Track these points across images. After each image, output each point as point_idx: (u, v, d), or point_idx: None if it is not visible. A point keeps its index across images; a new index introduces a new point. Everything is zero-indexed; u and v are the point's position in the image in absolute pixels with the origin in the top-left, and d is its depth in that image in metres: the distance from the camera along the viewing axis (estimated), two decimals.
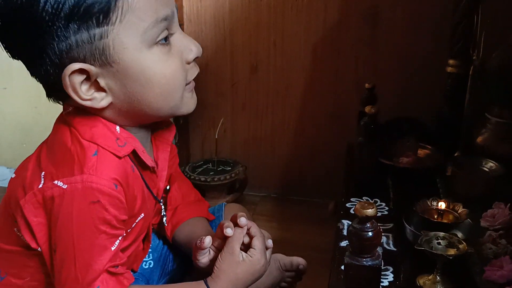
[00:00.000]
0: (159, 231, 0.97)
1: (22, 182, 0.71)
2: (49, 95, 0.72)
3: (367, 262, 0.68)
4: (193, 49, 0.73)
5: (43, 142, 0.77)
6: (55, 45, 0.63)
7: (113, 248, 0.69)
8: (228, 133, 1.81)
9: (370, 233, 0.67)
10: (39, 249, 0.71)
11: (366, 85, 1.34)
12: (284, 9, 1.59)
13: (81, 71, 0.65)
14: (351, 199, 1.15)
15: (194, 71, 0.75)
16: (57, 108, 0.75)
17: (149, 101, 0.70)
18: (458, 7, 1.26)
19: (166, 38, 0.70)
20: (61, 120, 0.74)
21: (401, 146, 1.30)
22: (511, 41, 1.14)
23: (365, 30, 1.55)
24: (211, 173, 1.70)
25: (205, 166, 1.76)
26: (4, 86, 1.61)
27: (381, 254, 0.70)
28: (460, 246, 0.82)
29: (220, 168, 1.73)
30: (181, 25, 1.70)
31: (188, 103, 0.76)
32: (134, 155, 0.74)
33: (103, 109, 0.70)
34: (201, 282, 0.78)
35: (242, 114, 1.78)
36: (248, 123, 1.78)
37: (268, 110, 1.74)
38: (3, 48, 0.68)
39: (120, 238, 0.71)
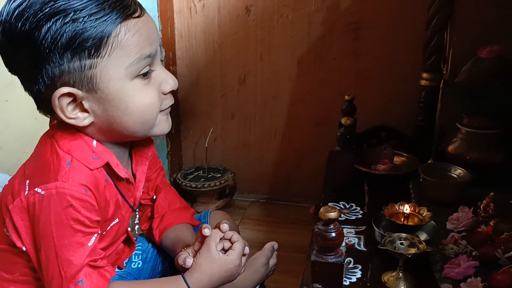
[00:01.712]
0: (149, 236, 1.04)
1: (11, 189, 0.78)
2: (38, 108, 0.78)
3: (331, 259, 0.76)
4: (170, 83, 0.80)
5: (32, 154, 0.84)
6: (50, 69, 0.70)
7: (89, 244, 0.75)
8: (218, 141, 1.89)
9: (333, 234, 0.75)
10: (23, 248, 0.77)
11: (346, 96, 1.41)
12: (270, 24, 1.68)
13: (69, 94, 0.72)
14: (329, 204, 1.23)
15: (169, 101, 0.82)
16: None
17: (127, 124, 0.77)
18: (430, 24, 1.34)
19: (147, 72, 0.77)
20: (47, 132, 0.81)
21: (378, 153, 1.37)
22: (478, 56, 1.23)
23: (347, 44, 1.63)
24: (201, 179, 1.78)
25: (196, 173, 1.84)
26: (6, 99, 1.68)
27: (344, 252, 0.78)
28: (420, 246, 0.89)
29: (211, 175, 1.82)
30: (173, 40, 1.79)
31: (162, 126, 0.83)
32: (109, 167, 0.81)
33: (84, 126, 0.77)
34: (179, 276, 0.85)
35: (232, 123, 1.85)
36: (237, 131, 1.86)
37: (256, 119, 1.82)
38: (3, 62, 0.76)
39: (95, 235, 0.77)
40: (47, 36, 0.68)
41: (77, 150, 0.77)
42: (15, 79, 1.73)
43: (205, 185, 1.74)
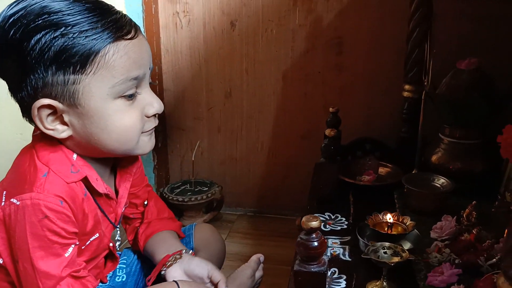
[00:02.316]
0: (133, 246, 1.05)
1: None
2: (23, 115, 0.79)
3: (313, 268, 0.77)
4: (154, 106, 0.81)
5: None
6: (34, 80, 0.71)
7: (66, 255, 0.76)
8: (205, 155, 1.90)
9: (315, 243, 0.76)
10: (0, 261, 0.77)
11: (330, 109, 1.42)
12: (255, 39, 1.70)
13: (49, 106, 0.73)
14: (315, 215, 1.24)
15: (152, 123, 0.83)
16: None
17: (105, 142, 0.78)
18: (410, 38, 1.37)
19: (132, 94, 0.77)
20: (29, 144, 0.82)
21: (363, 165, 1.39)
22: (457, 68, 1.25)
23: (330, 57, 1.65)
24: (188, 193, 1.78)
25: (183, 187, 1.84)
26: None
27: (326, 261, 0.79)
28: (403, 254, 0.91)
29: (198, 189, 1.82)
30: (159, 55, 1.80)
31: (143, 147, 0.83)
32: (88, 181, 0.81)
33: (64, 139, 0.77)
34: (172, 283, 0.86)
35: (218, 136, 1.87)
36: (224, 145, 1.87)
37: (243, 133, 1.84)
38: None
39: (72, 246, 0.77)
40: (35, 47, 0.69)
41: (55, 162, 0.77)
42: (2, 96, 1.73)
43: (192, 199, 1.74)
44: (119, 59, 0.73)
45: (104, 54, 0.72)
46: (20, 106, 0.77)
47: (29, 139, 1.68)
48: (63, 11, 0.70)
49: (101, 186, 0.83)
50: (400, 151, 1.47)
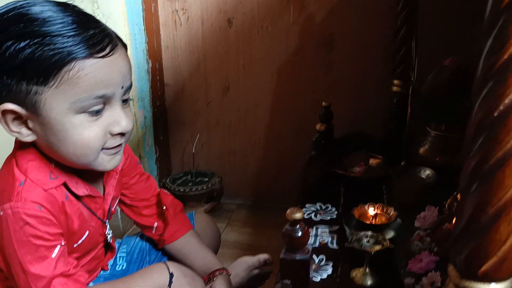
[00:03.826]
0: (149, 235, 1.09)
1: None
2: None
3: (298, 257, 0.84)
4: (121, 124, 0.78)
5: None
6: (0, 84, 0.71)
7: (53, 256, 0.77)
8: (204, 148, 1.97)
9: (299, 233, 0.82)
10: None
11: (323, 103, 1.47)
12: (250, 36, 1.75)
13: (13, 111, 0.73)
14: (306, 205, 1.31)
15: (116, 141, 0.79)
16: None
17: (63, 154, 0.77)
18: (398, 35, 1.43)
19: (98, 110, 0.75)
20: (12, 151, 0.82)
21: (353, 157, 1.45)
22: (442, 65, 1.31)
23: (322, 55, 1.70)
24: (190, 184, 1.85)
25: (184, 178, 1.91)
26: None
27: (310, 250, 0.85)
28: (384, 243, 0.97)
29: (198, 179, 1.88)
30: (159, 52, 1.86)
31: (103, 164, 0.80)
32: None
33: (35, 143, 0.78)
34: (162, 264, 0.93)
35: (217, 130, 1.93)
36: (222, 138, 1.93)
37: (240, 127, 1.90)
38: None
39: (58, 247, 0.78)
40: (5, 53, 0.69)
41: (33, 170, 0.78)
42: None
43: (193, 189, 1.81)
44: (83, 77, 0.71)
45: (68, 70, 0.70)
46: None
47: None
48: (39, 21, 0.70)
49: (81, 189, 0.84)
50: (389, 144, 1.52)
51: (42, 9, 0.71)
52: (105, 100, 0.75)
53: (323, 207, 1.30)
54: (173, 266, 0.94)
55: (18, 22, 0.70)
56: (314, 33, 1.68)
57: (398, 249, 1.03)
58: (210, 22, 1.78)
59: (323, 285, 0.97)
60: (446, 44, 1.45)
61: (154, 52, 1.84)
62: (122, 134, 0.79)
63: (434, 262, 0.96)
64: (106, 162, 0.80)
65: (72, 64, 0.70)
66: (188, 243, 1.06)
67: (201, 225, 1.16)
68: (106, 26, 0.77)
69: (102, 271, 1.01)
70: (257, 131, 1.88)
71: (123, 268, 1.06)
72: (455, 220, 0.53)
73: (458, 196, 0.53)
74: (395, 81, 1.50)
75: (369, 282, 0.97)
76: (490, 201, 0.48)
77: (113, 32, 0.77)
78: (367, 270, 0.98)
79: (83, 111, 0.74)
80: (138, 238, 1.13)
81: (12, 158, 0.80)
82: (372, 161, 1.46)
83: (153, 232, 1.08)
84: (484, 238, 0.49)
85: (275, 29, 1.72)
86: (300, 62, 1.73)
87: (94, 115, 0.75)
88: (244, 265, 1.14)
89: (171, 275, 0.92)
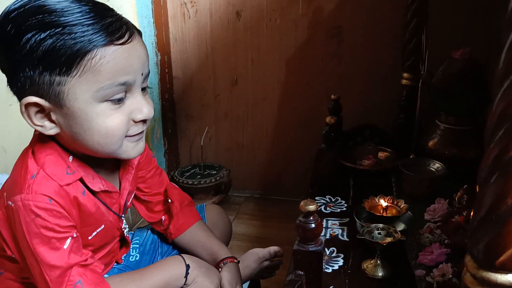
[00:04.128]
0: (158, 229, 1.11)
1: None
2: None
3: (311, 248, 0.84)
4: (143, 111, 0.78)
5: None
6: (22, 77, 0.72)
7: (65, 247, 0.77)
8: (213, 140, 1.97)
9: (312, 225, 0.83)
10: (13, 255, 0.81)
11: (332, 96, 1.47)
12: (259, 29, 1.75)
13: (36, 104, 0.73)
14: (316, 198, 1.31)
15: (138, 128, 0.80)
16: None
17: (87, 143, 0.77)
18: (407, 28, 1.42)
19: (120, 98, 0.75)
20: (30, 142, 0.83)
21: (363, 150, 1.46)
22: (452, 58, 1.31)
23: (331, 47, 1.70)
24: (198, 176, 1.85)
25: (192, 171, 1.91)
26: (10, 103, 1.75)
27: (323, 241, 0.86)
28: (396, 235, 0.98)
29: (207, 172, 1.89)
30: (168, 44, 1.86)
31: (128, 152, 0.81)
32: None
33: (57, 136, 0.78)
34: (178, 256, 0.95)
35: (225, 123, 1.93)
36: (230, 131, 1.94)
37: (248, 119, 1.90)
38: None
39: (70, 238, 0.78)
40: (26, 45, 0.69)
41: (51, 165, 0.78)
42: None
43: (202, 182, 1.82)
44: (105, 64, 0.72)
45: (91, 58, 0.70)
46: (17, 99, 0.77)
47: None
48: (58, 11, 0.70)
49: (97, 184, 0.84)
50: (398, 136, 1.52)
51: (59, 0, 0.71)
52: (127, 88, 0.76)
53: (333, 200, 1.30)
54: (189, 258, 0.95)
55: (36, 14, 0.70)
56: (323, 25, 1.68)
57: (408, 241, 1.04)
58: (218, 15, 1.78)
59: (335, 276, 0.97)
60: (456, 36, 1.45)
61: (163, 45, 1.84)
62: (144, 121, 0.80)
63: (444, 255, 0.97)
64: (131, 149, 0.81)
65: (94, 52, 0.71)
66: (195, 235, 1.07)
67: (213, 217, 1.17)
68: (120, 14, 0.77)
69: (115, 264, 1.02)
70: (265, 124, 1.89)
71: (137, 259, 1.07)
72: (473, 211, 0.53)
73: (477, 187, 0.53)
74: (405, 74, 1.49)
75: (380, 273, 0.97)
76: (510, 192, 0.48)
77: (128, 20, 0.78)
78: (378, 261, 0.98)
79: (106, 99, 0.74)
80: (149, 231, 1.14)
81: (29, 150, 0.80)
82: (381, 154, 1.47)
83: (161, 226, 1.09)
84: (503, 228, 0.49)
85: (284, 21, 1.72)
86: (308, 54, 1.73)
87: (116, 103, 0.75)
88: (254, 256, 1.15)
89: (188, 267, 0.93)
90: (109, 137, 0.77)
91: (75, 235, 0.80)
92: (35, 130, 0.80)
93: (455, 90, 1.28)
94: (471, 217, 0.54)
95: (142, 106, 0.78)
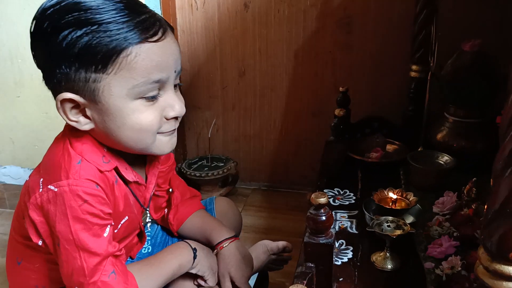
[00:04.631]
0: (164, 225, 1.12)
1: (28, 186, 0.82)
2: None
3: (322, 240, 0.84)
4: (175, 109, 0.80)
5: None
6: (58, 73, 0.73)
7: (105, 235, 0.79)
8: (220, 132, 1.97)
9: (323, 217, 0.83)
10: (39, 243, 0.81)
11: (340, 88, 1.47)
12: (267, 19, 1.74)
13: (72, 100, 0.75)
14: (324, 190, 1.31)
15: (171, 125, 0.82)
16: None
17: (121, 140, 0.79)
18: (417, 19, 1.42)
19: (154, 96, 0.77)
20: (62, 132, 0.84)
21: (371, 142, 1.45)
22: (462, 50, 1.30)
23: (340, 37, 1.69)
24: (205, 168, 1.86)
25: (200, 163, 1.91)
26: (17, 94, 1.76)
27: (334, 234, 0.86)
28: (405, 227, 0.98)
29: (214, 164, 1.89)
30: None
31: (161, 147, 0.83)
32: (119, 170, 0.85)
33: (91, 131, 0.79)
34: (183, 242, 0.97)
35: (232, 114, 1.93)
36: (238, 122, 1.94)
37: (256, 110, 1.90)
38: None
39: (109, 226, 0.80)
40: (62, 43, 0.71)
41: (88, 152, 0.80)
42: (25, 77, 1.82)
43: (209, 174, 1.82)
44: (140, 62, 0.73)
45: (126, 56, 0.72)
46: (52, 94, 0.79)
47: (53, 118, 1.77)
48: (93, 9, 0.71)
49: (130, 174, 0.87)
50: (407, 129, 1.52)
51: None
52: (160, 86, 0.77)
53: (341, 192, 1.30)
54: (192, 243, 0.98)
55: (72, 11, 0.71)
56: (332, 16, 1.67)
57: (417, 234, 1.04)
58: (226, 6, 1.77)
59: (344, 268, 0.98)
60: (466, 28, 1.44)
61: None
62: (175, 118, 0.82)
63: (454, 247, 0.97)
64: (164, 144, 0.83)
65: (129, 50, 0.72)
66: (194, 223, 1.08)
67: (222, 209, 1.18)
68: (153, 10, 0.78)
69: (129, 258, 1.03)
70: (273, 115, 1.88)
71: (149, 251, 1.08)
72: (487, 204, 0.53)
73: (491, 180, 0.53)
74: (414, 67, 1.49)
75: (389, 266, 0.97)
76: None
77: (161, 16, 0.79)
78: (388, 254, 0.98)
79: (140, 96, 0.76)
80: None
81: (64, 138, 0.82)
82: (389, 147, 1.46)
83: (165, 219, 1.11)
84: None
85: (292, 12, 1.71)
86: (317, 45, 1.72)
87: (150, 100, 0.77)
88: (264, 248, 1.16)
89: (195, 250, 0.96)
90: (142, 133, 0.79)
91: (113, 223, 0.82)
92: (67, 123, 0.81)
93: (464, 83, 1.28)
94: (484, 209, 0.53)
95: (174, 103, 0.80)
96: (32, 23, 0.75)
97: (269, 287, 1.25)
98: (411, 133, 1.46)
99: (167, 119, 0.81)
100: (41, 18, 0.73)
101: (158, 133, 0.81)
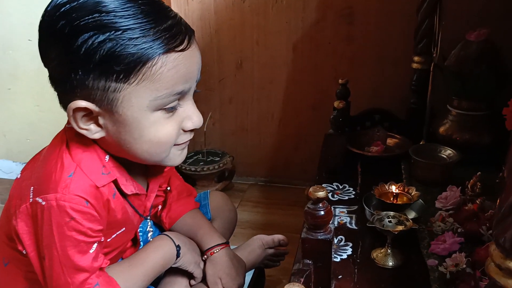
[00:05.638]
0: (157, 221, 1.08)
1: (19, 190, 0.78)
2: (60, 103, 0.74)
3: (320, 236, 0.81)
4: (194, 121, 0.76)
5: (43, 149, 0.83)
6: (74, 79, 0.68)
7: (91, 251, 0.76)
8: (217, 126, 1.93)
9: (322, 212, 0.79)
10: (24, 251, 0.77)
11: (340, 80, 1.43)
12: (265, 9, 1.70)
13: (85, 108, 0.70)
14: (323, 185, 1.27)
15: (187, 136, 0.79)
16: (57, 108, 0.76)
17: (136, 152, 0.75)
18: (420, 9, 1.37)
19: (173, 107, 0.73)
20: (62, 133, 0.79)
21: (372, 135, 1.42)
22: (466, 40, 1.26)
23: (341, 28, 1.65)
24: (201, 163, 1.82)
25: (195, 157, 1.88)
26: (9, 87, 1.72)
27: (332, 229, 0.82)
28: (407, 223, 0.94)
29: (210, 159, 1.86)
30: None
31: (173, 159, 0.80)
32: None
33: (100, 138, 0.75)
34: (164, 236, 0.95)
35: (230, 107, 1.89)
36: (235, 115, 1.90)
37: (254, 103, 1.86)
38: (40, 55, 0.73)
39: (96, 243, 0.77)
40: (81, 47, 0.65)
41: (87, 162, 0.75)
42: (19, 69, 1.78)
43: (205, 169, 1.79)
44: (166, 72, 0.69)
45: (151, 66, 0.67)
46: (58, 96, 0.74)
47: (46, 111, 1.73)
48: (116, 11, 0.66)
49: (129, 187, 0.82)
50: (409, 122, 1.48)
51: None
52: (181, 96, 0.73)
53: (340, 187, 1.26)
54: (175, 237, 0.95)
55: (93, 12, 0.66)
56: (333, 6, 1.63)
57: (419, 230, 1.01)
58: None
59: (344, 265, 0.94)
60: (471, 17, 1.40)
61: None
62: (191, 130, 0.78)
63: (458, 244, 0.94)
64: (177, 156, 0.80)
65: (155, 60, 0.67)
66: (185, 223, 1.04)
67: (217, 203, 1.15)
68: (175, 12, 0.73)
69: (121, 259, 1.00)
70: (271, 108, 1.85)
71: (140, 247, 1.04)
72: (499, 198, 0.50)
73: (504, 174, 0.49)
74: (416, 58, 1.45)
75: (391, 263, 0.94)
76: None
77: (184, 20, 0.73)
78: (389, 250, 0.95)
79: (160, 108, 0.72)
80: (151, 221, 1.10)
81: (63, 143, 0.77)
82: (390, 140, 1.43)
83: (157, 216, 1.08)
84: None
85: (291, 2, 1.67)
86: (317, 36, 1.69)
87: (169, 111, 0.73)
88: (259, 242, 1.13)
89: (178, 247, 0.94)
90: (160, 147, 0.75)
91: (102, 240, 0.78)
92: (68, 121, 0.76)
93: (469, 74, 1.23)
94: (497, 204, 0.50)
95: (193, 115, 0.76)
96: (43, 18, 0.69)
97: (265, 284, 1.23)
98: (413, 126, 1.43)
99: (184, 131, 0.77)
100: (55, 14, 0.67)
101: (174, 145, 0.77)
